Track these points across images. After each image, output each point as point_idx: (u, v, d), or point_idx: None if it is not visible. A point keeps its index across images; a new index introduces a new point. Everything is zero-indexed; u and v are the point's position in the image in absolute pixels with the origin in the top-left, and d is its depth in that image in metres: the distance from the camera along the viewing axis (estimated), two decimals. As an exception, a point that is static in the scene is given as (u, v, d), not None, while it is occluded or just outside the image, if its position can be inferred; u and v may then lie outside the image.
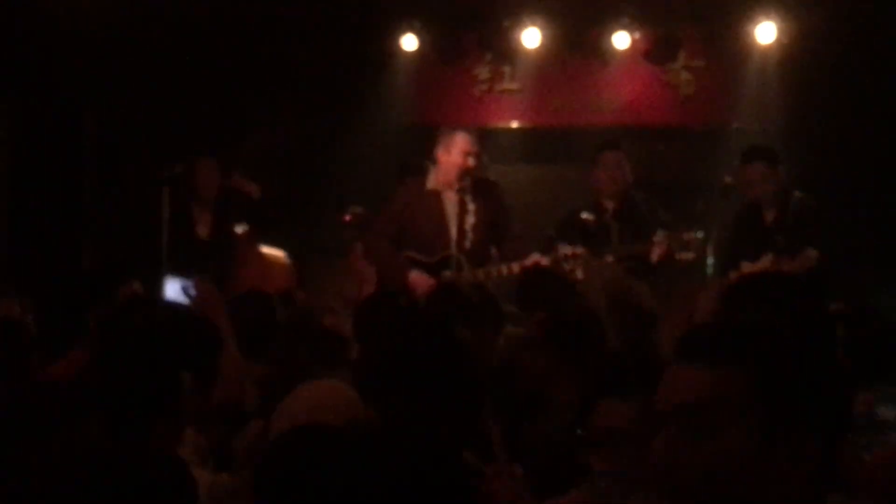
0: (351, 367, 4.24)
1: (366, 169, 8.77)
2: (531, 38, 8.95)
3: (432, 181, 7.03)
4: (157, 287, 6.91)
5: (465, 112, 9.20)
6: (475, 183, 6.98)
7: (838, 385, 1.94)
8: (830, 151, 8.35)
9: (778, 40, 8.59)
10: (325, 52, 9.00)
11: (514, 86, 9.39)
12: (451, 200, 6.97)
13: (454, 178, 6.91)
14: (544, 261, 6.72)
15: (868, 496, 2.67)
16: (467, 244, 6.89)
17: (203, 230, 7.64)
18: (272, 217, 7.90)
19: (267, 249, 7.81)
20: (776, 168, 7.18)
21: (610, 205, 7.51)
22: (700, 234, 7.10)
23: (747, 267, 7.09)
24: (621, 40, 8.87)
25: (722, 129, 8.91)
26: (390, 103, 9.27)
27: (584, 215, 7.37)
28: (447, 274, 6.83)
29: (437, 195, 6.98)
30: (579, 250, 6.78)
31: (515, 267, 6.73)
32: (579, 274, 6.65)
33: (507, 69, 9.37)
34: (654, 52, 9.06)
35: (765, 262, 6.99)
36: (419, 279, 6.83)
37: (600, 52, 9.05)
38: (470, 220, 6.91)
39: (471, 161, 6.90)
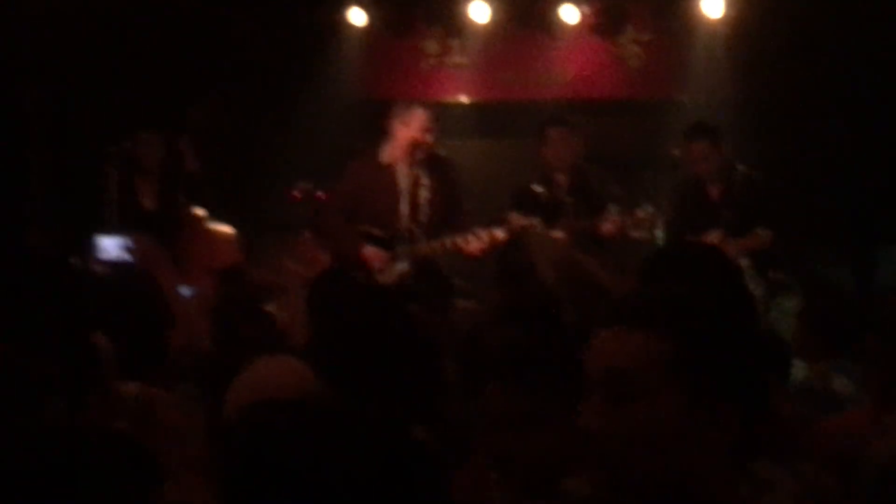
0: (290, 352, 4.21)
1: (314, 144, 8.69)
2: (479, 11, 8.92)
3: (385, 155, 6.98)
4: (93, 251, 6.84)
5: (413, 86, 9.14)
6: (428, 158, 6.95)
7: (757, 356, 1.97)
8: (777, 125, 8.40)
9: (725, 14, 8.61)
10: (272, 25, 8.92)
11: (462, 60, 9.36)
12: (404, 174, 6.93)
13: (408, 153, 6.88)
14: (500, 233, 6.71)
15: (804, 461, 2.67)
16: (421, 218, 6.87)
17: (148, 202, 7.59)
18: (215, 192, 7.82)
19: (214, 225, 7.74)
20: (719, 145, 7.23)
21: (562, 179, 7.51)
22: (650, 210, 7.13)
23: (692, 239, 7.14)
24: (569, 14, 8.86)
25: (670, 103, 8.93)
26: (338, 77, 9.21)
27: (537, 188, 7.37)
28: (401, 247, 6.81)
29: (390, 169, 6.94)
30: (533, 220, 6.78)
31: (471, 238, 6.73)
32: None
33: (455, 43, 9.34)
34: (602, 25, 9.05)
35: (713, 237, 7.03)
36: (373, 254, 6.81)
37: (548, 25, 9.03)
38: (424, 194, 6.89)
39: (429, 137, 6.89)
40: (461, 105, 9.45)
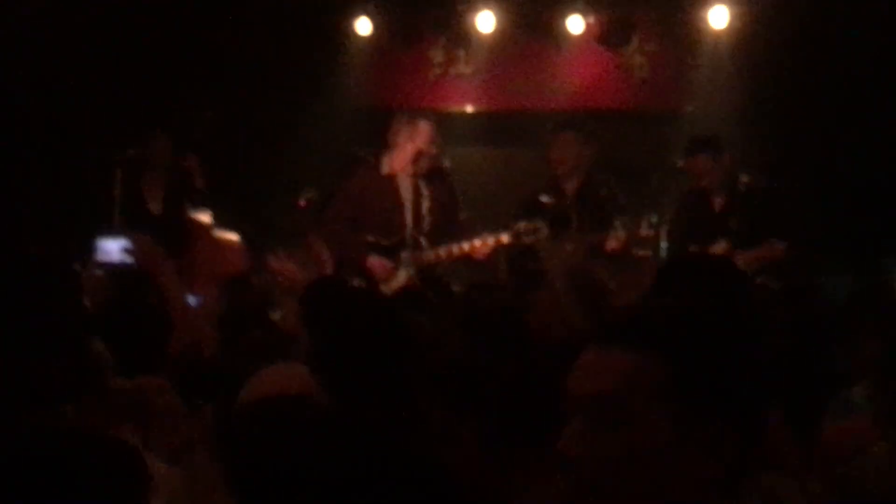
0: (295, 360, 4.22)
1: (321, 152, 8.72)
2: (486, 21, 8.94)
3: (387, 165, 7.02)
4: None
5: (419, 95, 9.17)
6: (430, 170, 6.99)
7: (758, 375, 1.82)
8: (783, 134, 8.40)
9: (731, 24, 8.62)
10: (279, 34, 8.94)
11: (468, 69, 9.38)
12: (406, 184, 6.97)
13: (412, 164, 6.92)
14: (504, 238, 6.75)
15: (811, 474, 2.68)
16: (424, 226, 6.90)
17: (155, 207, 7.60)
18: (221, 200, 7.84)
19: (220, 232, 7.75)
20: (720, 156, 7.22)
21: (570, 187, 7.53)
22: (655, 221, 7.14)
23: (697, 251, 7.15)
24: (575, 24, 8.87)
25: (675, 113, 8.94)
26: (345, 86, 9.23)
27: (544, 198, 7.38)
28: (405, 254, 6.84)
29: (392, 178, 6.98)
30: (539, 224, 6.81)
31: (477, 244, 6.76)
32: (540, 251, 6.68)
33: (461, 53, 9.36)
34: (608, 35, 9.07)
35: (719, 248, 7.04)
36: (377, 262, 6.83)
37: (554, 35, 9.05)
38: (426, 203, 6.92)
39: (434, 149, 6.92)
40: (466, 114, 9.46)
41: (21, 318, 3.42)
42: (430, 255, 6.83)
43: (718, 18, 8.62)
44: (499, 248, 6.79)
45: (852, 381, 3.94)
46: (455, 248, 6.83)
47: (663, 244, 7.33)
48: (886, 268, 7.65)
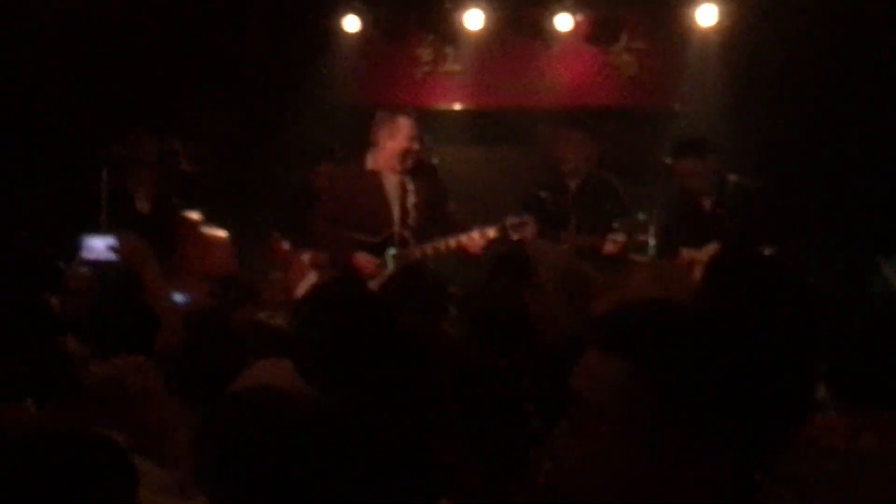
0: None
1: (309, 150, 8.69)
2: (474, 19, 8.94)
3: (371, 163, 7.01)
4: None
5: (407, 93, 9.16)
6: (414, 165, 6.98)
7: (775, 396, 1.64)
8: (771, 133, 8.41)
9: (719, 22, 8.63)
10: (267, 32, 8.92)
11: (456, 67, 9.38)
12: (391, 181, 6.96)
13: (397, 161, 6.91)
14: (491, 232, 6.75)
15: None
16: (410, 223, 6.89)
17: (143, 205, 7.57)
18: (209, 196, 7.82)
19: (208, 230, 7.73)
20: (706, 158, 7.23)
21: (573, 184, 7.55)
22: (643, 218, 7.16)
23: (687, 252, 7.16)
24: (564, 22, 8.88)
25: (663, 111, 8.95)
26: (333, 84, 9.23)
27: (543, 193, 7.40)
28: (392, 251, 6.84)
29: (377, 176, 6.97)
30: (527, 218, 6.81)
31: (464, 239, 6.76)
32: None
33: (449, 50, 9.35)
34: (597, 34, 9.07)
35: (710, 249, 7.04)
36: (364, 260, 6.83)
37: (543, 33, 9.05)
38: (411, 199, 6.91)
39: (416, 145, 6.92)
40: (455, 112, 9.46)
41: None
42: (416, 251, 6.82)
43: (706, 17, 8.63)
44: (489, 244, 6.78)
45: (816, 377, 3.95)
46: (442, 244, 6.83)
47: (652, 243, 7.34)
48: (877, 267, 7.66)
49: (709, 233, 7.15)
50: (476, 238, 6.75)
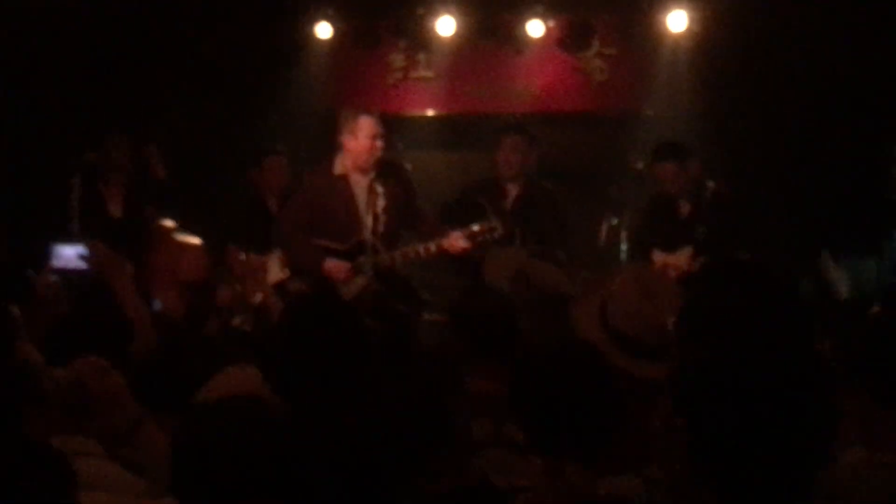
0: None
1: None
2: (445, 25, 8.97)
3: (339, 166, 6.93)
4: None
5: (380, 99, 9.16)
6: (382, 166, 6.90)
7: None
8: (740, 139, 8.47)
9: (689, 28, 8.68)
10: (239, 38, 8.93)
11: (428, 73, 9.40)
12: (360, 185, 6.87)
13: (363, 163, 6.82)
14: (462, 241, 6.68)
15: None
16: (380, 228, 6.77)
17: (115, 210, 7.56)
18: (182, 203, 7.81)
19: (182, 236, 7.71)
20: (686, 163, 7.28)
21: (513, 190, 7.55)
22: (615, 223, 7.19)
23: (659, 256, 7.20)
24: (535, 28, 8.91)
25: (634, 116, 8.99)
26: (305, 90, 9.23)
27: (481, 199, 7.38)
28: (362, 259, 6.76)
29: (345, 180, 6.89)
30: (494, 223, 6.76)
31: (432, 247, 6.71)
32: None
33: (421, 57, 9.38)
34: (568, 40, 9.11)
35: (684, 253, 7.10)
36: (334, 266, 6.77)
37: (514, 40, 9.09)
38: (381, 203, 6.78)
39: (379, 143, 6.82)
40: (427, 118, 9.48)
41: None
42: (386, 258, 6.75)
43: (677, 22, 8.68)
44: (451, 252, 6.72)
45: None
46: (411, 252, 6.76)
47: (623, 247, 7.37)
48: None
49: (683, 237, 7.20)
50: (444, 245, 6.69)
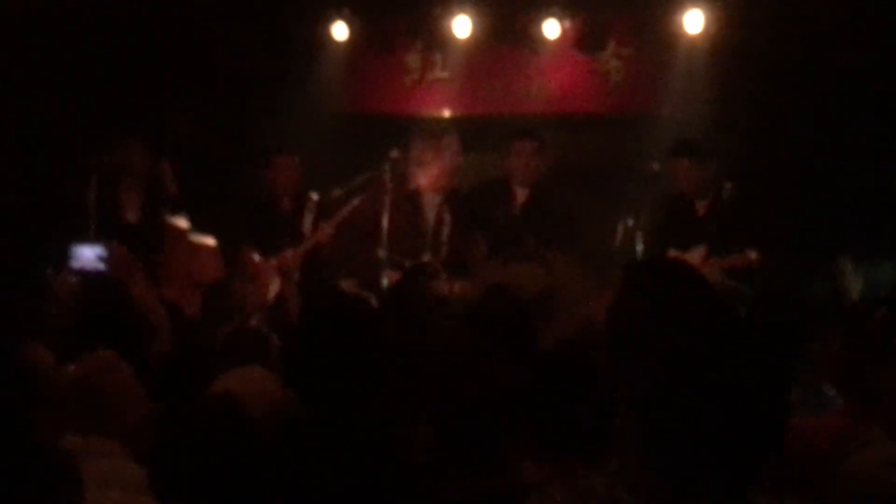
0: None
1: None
2: (462, 26, 8.95)
3: (413, 180, 6.82)
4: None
5: (396, 101, 9.18)
6: (450, 187, 6.78)
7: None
8: (757, 139, 8.44)
9: (706, 29, 8.66)
10: (256, 39, 8.93)
11: (444, 74, 9.39)
12: (430, 203, 6.78)
13: (439, 180, 6.69)
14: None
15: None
16: (443, 252, 6.67)
17: (131, 215, 7.56)
18: (197, 205, 7.81)
19: (197, 238, 7.72)
20: (703, 162, 7.26)
21: (521, 194, 7.53)
22: (630, 224, 7.16)
23: (674, 255, 7.18)
24: (551, 29, 8.89)
25: (650, 117, 8.96)
26: (321, 92, 9.22)
27: (495, 212, 7.34)
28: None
29: (416, 197, 6.77)
30: (477, 238, 6.64)
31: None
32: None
33: (437, 58, 9.37)
34: (584, 40, 9.09)
35: (696, 253, 7.07)
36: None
37: (530, 40, 9.07)
38: (446, 228, 6.66)
39: (460, 161, 6.73)
40: (443, 119, 9.46)
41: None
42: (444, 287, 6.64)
43: (693, 23, 8.65)
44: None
45: (822, 377, 3.99)
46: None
47: (639, 248, 7.35)
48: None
49: (699, 236, 7.18)
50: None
